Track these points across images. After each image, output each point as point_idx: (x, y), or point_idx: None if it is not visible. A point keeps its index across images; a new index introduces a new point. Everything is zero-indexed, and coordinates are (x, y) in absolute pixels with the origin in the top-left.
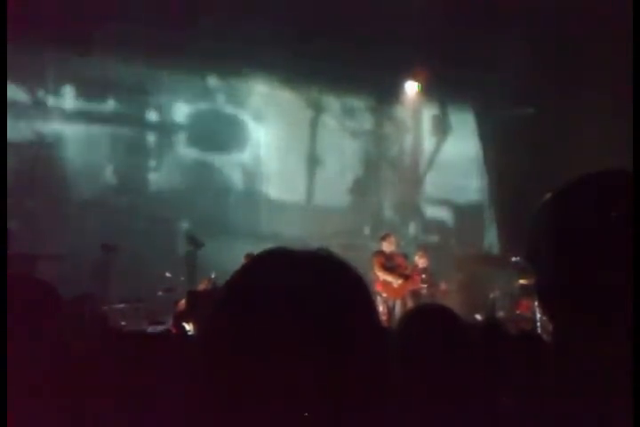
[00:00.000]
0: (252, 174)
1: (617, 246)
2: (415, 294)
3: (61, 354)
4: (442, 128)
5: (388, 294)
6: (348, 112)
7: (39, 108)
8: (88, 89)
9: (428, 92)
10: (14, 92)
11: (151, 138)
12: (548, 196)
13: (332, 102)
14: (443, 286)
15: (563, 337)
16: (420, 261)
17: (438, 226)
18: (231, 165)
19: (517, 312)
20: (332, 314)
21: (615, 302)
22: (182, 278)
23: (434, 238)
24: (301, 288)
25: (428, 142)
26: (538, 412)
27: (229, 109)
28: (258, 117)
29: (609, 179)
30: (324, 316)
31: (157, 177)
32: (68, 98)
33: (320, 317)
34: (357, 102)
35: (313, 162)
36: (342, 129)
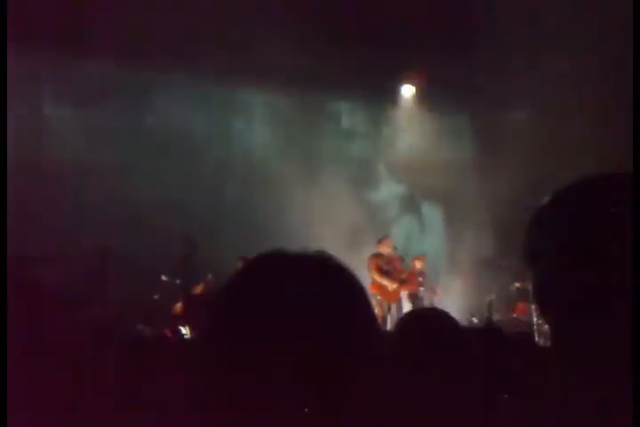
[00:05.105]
0: (249, 177)
1: (618, 248)
2: (412, 296)
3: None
4: (438, 131)
5: (383, 298)
6: (345, 115)
7: (35, 109)
8: (84, 91)
9: (424, 95)
10: (10, 94)
11: (147, 141)
12: (549, 197)
13: (329, 106)
14: (438, 291)
15: (562, 339)
16: (418, 264)
17: (434, 229)
18: (228, 168)
19: (514, 315)
20: (329, 316)
21: (616, 305)
22: (178, 282)
23: (430, 241)
24: (298, 290)
25: (425, 145)
26: (535, 414)
27: (226, 113)
28: (255, 121)
29: (609, 180)
30: (320, 318)
31: (154, 180)
32: (65, 99)
33: (317, 319)
34: (354, 105)
35: (309, 165)
36: (339, 132)
